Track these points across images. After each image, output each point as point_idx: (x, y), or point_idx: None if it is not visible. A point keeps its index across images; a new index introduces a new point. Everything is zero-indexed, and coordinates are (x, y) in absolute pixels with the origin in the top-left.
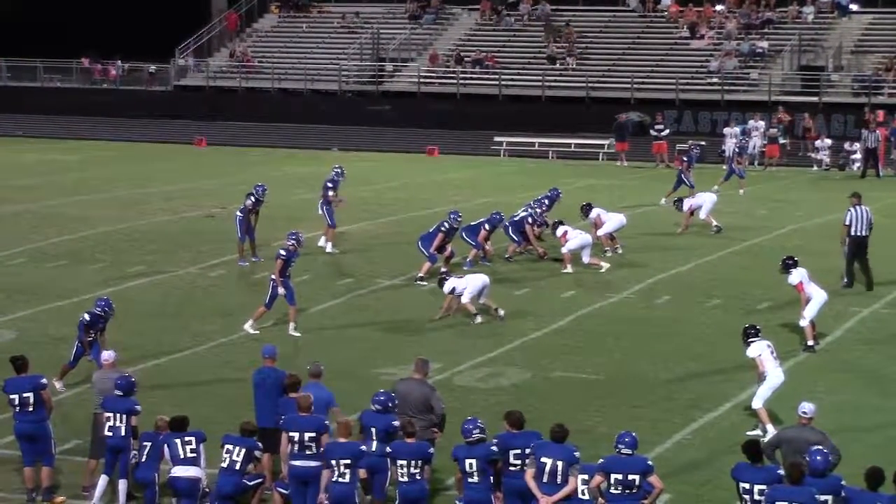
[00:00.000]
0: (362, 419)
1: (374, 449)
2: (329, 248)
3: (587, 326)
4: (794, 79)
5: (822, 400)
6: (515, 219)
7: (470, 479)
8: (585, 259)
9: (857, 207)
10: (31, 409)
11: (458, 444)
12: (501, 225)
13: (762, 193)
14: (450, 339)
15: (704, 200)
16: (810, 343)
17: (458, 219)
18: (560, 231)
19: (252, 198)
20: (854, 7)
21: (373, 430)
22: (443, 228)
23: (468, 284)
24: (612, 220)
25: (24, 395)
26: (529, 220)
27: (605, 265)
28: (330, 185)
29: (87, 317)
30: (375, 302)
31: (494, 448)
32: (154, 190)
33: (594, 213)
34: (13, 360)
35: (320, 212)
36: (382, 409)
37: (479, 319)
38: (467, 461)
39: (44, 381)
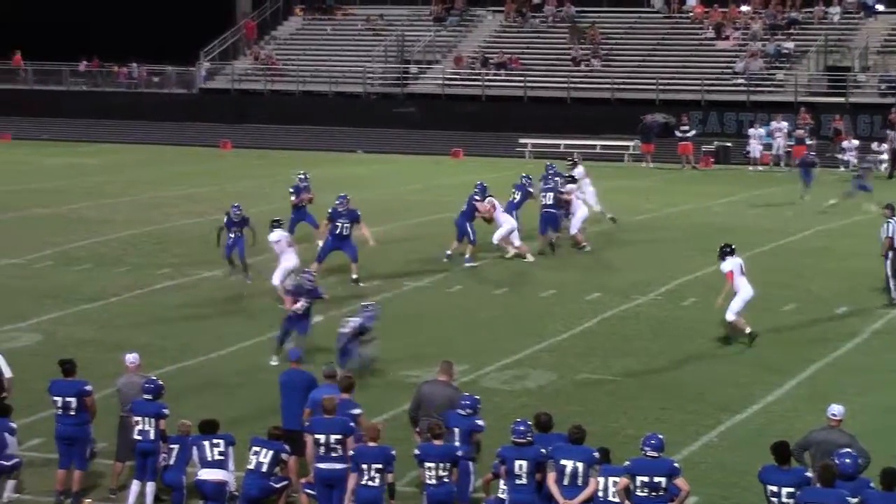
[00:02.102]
0: (447, 421)
1: (460, 452)
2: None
3: (613, 328)
4: (821, 79)
5: (851, 402)
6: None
7: (518, 482)
8: (516, 242)
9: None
10: (72, 413)
11: (505, 445)
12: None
13: (788, 195)
14: (476, 341)
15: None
16: (748, 330)
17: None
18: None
19: (226, 216)
20: (880, 7)
21: (456, 431)
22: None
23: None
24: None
25: (68, 399)
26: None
27: (531, 258)
28: (292, 189)
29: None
30: (402, 304)
31: (544, 451)
32: (179, 193)
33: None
34: (62, 363)
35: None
36: (471, 412)
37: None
38: (517, 462)
39: (88, 387)
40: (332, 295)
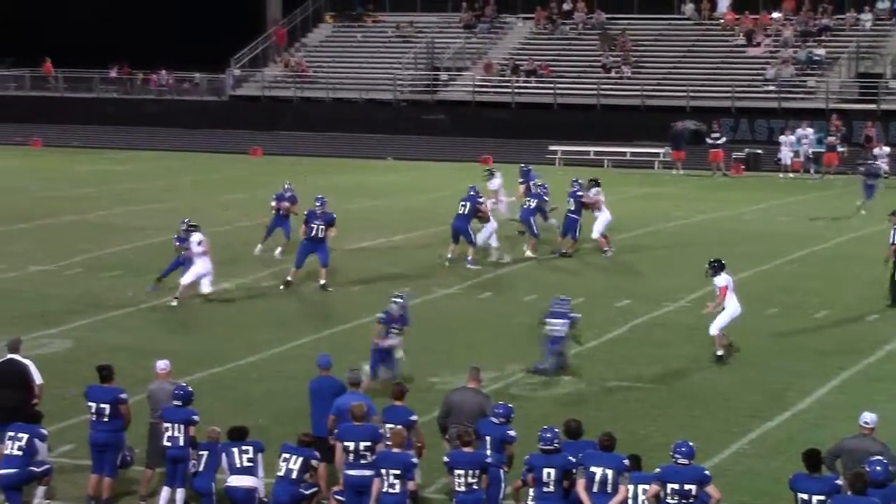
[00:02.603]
0: (480, 428)
1: (489, 459)
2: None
3: (643, 335)
4: (852, 86)
5: (882, 409)
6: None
7: (545, 489)
8: (494, 243)
9: None
10: (106, 419)
11: (533, 453)
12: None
13: (820, 202)
14: (505, 347)
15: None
16: (719, 353)
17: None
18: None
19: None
20: None
21: (488, 439)
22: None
23: None
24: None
25: (102, 405)
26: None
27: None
28: (274, 197)
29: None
30: (432, 311)
31: (572, 458)
32: (209, 200)
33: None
34: (99, 369)
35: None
36: (504, 421)
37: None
38: (545, 470)
39: (124, 395)
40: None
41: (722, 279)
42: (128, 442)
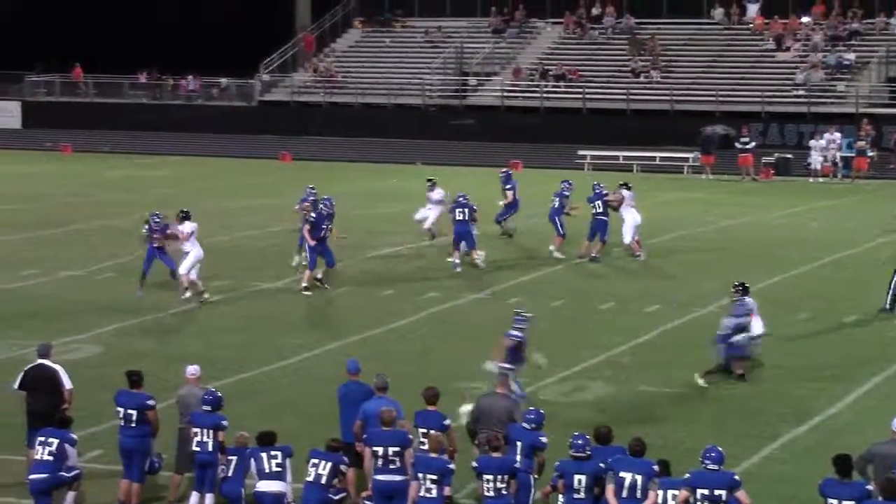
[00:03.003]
0: (511, 433)
1: (519, 464)
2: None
3: (673, 340)
4: (882, 91)
5: None
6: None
7: (576, 496)
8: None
9: None
10: (133, 424)
11: (563, 459)
12: None
13: (849, 206)
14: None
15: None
16: (739, 372)
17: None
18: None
19: (145, 226)
20: None
21: (518, 444)
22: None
23: None
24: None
25: (129, 410)
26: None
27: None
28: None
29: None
30: (460, 316)
31: (602, 465)
32: (239, 205)
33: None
34: (129, 375)
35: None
36: (535, 427)
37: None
38: (576, 476)
39: (151, 402)
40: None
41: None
42: (155, 448)
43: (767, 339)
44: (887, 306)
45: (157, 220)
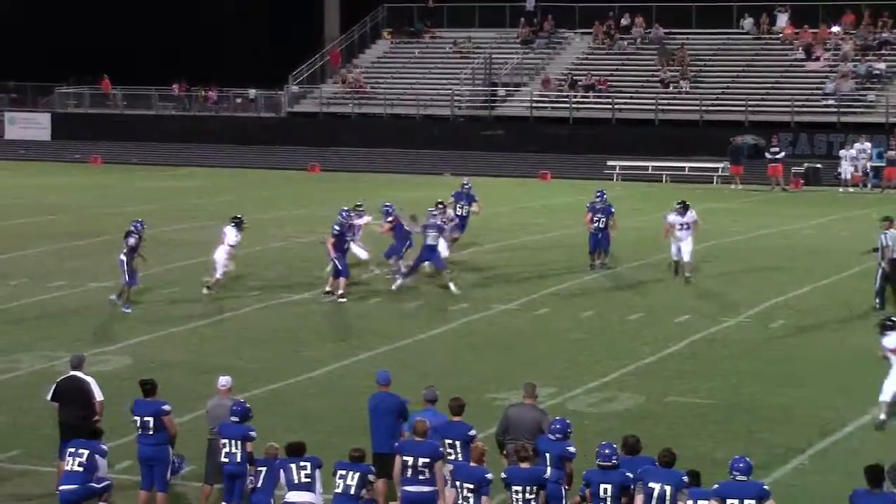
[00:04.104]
0: (538, 445)
1: (548, 475)
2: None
3: (702, 350)
4: None
5: None
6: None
7: None
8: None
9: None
10: (151, 432)
11: (590, 469)
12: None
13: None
14: (563, 363)
15: None
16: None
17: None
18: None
19: (133, 236)
20: None
21: (547, 455)
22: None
23: None
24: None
25: (146, 418)
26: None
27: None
28: (337, 228)
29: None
30: (489, 327)
31: (629, 475)
32: (269, 216)
33: None
34: (142, 384)
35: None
36: (561, 437)
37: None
38: (602, 486)
39: (166, 407)
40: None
41: (892, 339)
42: (174, 453)
43: (794, 350)
44: (877, 305)
45: (139, 224)
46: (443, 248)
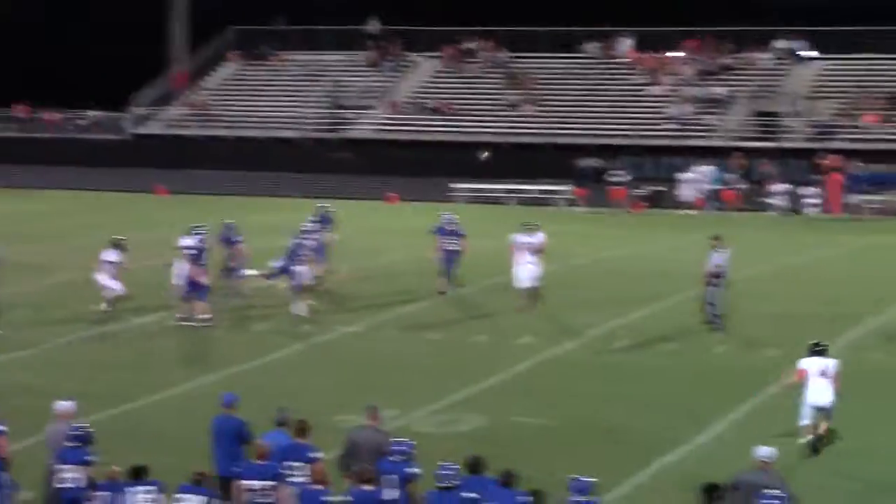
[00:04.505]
0: (382, 467)
1: (391, 496)
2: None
3: (545, 372)
4: (751, 124)
5: (777, 443)
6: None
7: None
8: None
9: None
10: None
11: (431, 490)
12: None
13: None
14: (408, 385)
15: None
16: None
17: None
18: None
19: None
20: (809, 54)
21: (390, 477)
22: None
23: None
24: None
25: None
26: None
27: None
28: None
29: None
30: (337, 350)
31: (469, 495)
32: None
33: None
34: None
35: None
36: (404, 459)
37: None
38: None
39: (2, 428)
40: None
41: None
42: (10, 480)
43: (636, 371)
44: (711, 322)
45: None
46: (306, 274)
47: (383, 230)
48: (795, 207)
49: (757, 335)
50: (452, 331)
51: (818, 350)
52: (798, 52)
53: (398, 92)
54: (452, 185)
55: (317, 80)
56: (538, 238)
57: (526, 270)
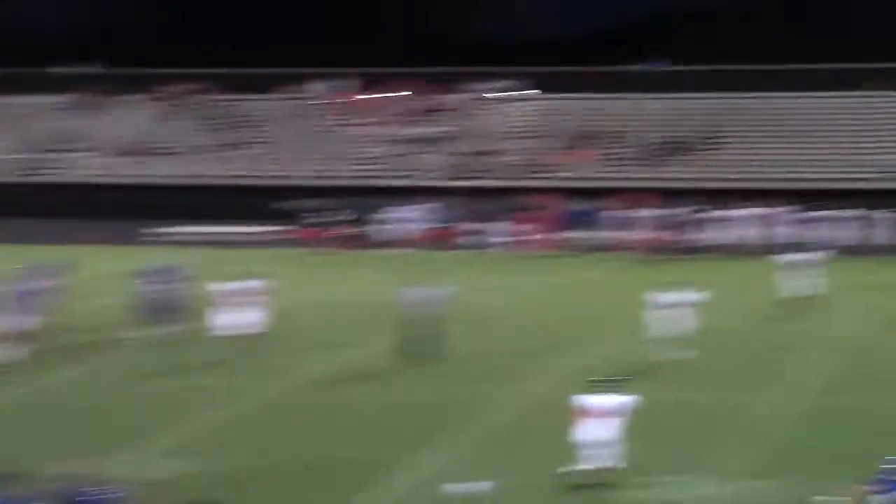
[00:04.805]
0: None
1: None
2: None
3: (259, 415)
4: (457, 163)
5: None
6: None
7: None
8: None
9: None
10: None
11: None
12: None
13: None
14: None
15: None
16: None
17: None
18: None
19: None
20: (517, 93)
21: None
22: None
23: None
24: None
25: None
26: None
27: None
28: None
29: None
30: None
31: None
32: None
33: None
34: None
35: None
36: None
37: None
38: None
39: None
40: None
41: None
42: None
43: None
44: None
45: None
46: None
47: (83, 276)
48: (483, 244)
49: (461, 371)
50: (162, 373)
51: (600, 387)
52: (511, 92)
53: (94, 135)
54: (154, 230)
55: (9, 124)
56: (252, 283)
57: (230, 318)
